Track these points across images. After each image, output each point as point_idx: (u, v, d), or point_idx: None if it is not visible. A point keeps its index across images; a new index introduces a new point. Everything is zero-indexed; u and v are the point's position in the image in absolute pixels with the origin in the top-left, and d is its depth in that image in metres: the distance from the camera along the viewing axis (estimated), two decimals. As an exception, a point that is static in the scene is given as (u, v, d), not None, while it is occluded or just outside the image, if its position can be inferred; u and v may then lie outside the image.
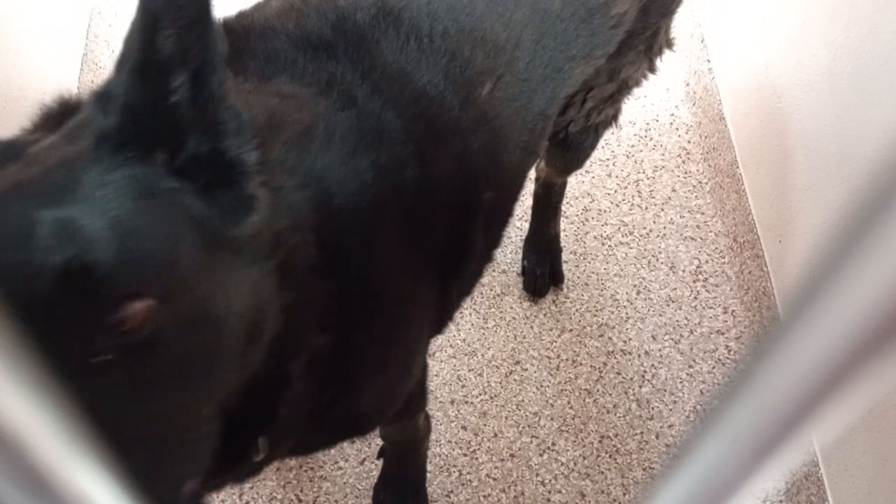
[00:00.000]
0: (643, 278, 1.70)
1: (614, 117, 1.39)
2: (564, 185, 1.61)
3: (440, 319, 1.06)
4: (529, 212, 1.78)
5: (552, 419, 1.53)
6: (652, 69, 1.35)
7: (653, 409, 1.55)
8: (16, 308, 0.48)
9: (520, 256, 1.71)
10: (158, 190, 0.57)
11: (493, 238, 1.10)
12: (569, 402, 1.55)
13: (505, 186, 1.06)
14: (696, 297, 1.68)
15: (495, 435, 1.51)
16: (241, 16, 0.94)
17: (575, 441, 1.51)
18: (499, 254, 1.73)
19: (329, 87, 0.86)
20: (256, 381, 0.65)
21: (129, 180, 0.56)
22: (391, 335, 0.91)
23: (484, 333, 1.62)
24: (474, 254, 1.03)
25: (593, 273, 1.71)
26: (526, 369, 1.58)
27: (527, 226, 1.76)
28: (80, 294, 0.51)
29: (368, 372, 0.90)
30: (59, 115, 0.64)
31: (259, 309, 0.63)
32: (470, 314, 1.64)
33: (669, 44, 1.35)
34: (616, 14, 1.08)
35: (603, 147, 1.88)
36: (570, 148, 1.34)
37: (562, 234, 1.74)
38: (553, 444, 1.51)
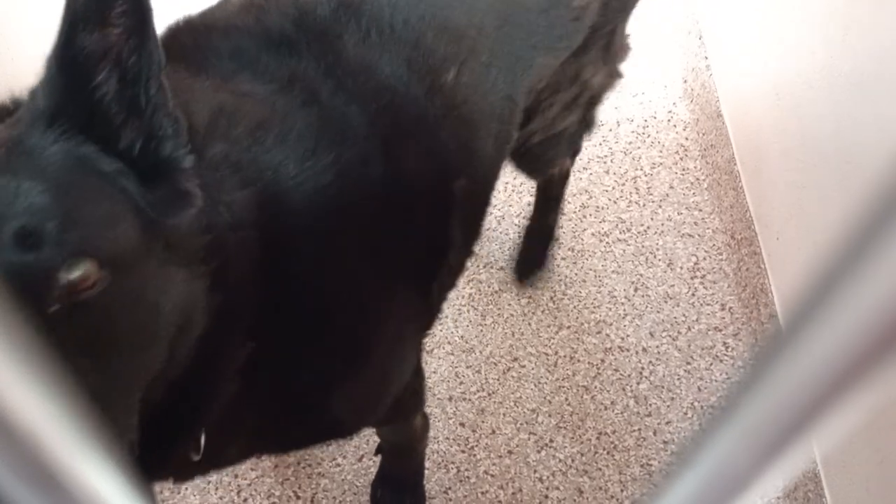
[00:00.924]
0: (641, 275, 1.70)
1: (586, 126, 1.39)
2: (565, 177, 1.60)
3: (425, 318, 1.05)
4: (529, 209, 1.78)
5: (550, 416, 1.53)
6: (614, 74, 1.35)
7: (650, 405, 1.55)
8: None
9: (517, 253, 1.71)
10: (97, 169, 0.62)
11: (472, 230, 1.10)
12: (566, 399, 1.55)
13: (479, 176, 1.06)
14: (693, 294, 1.68)
15: (493, 431, 1.52)
16: (204, 14, 0.94)
17: (573, 437, 1.51)
18: (496, 251, 1.73)
19: (291, 84, 0.86)
20: (185, 379, 0.67)
21: (67, 155, 0.60)
22: (359, 339, 0.89)
23: (482, 330, 1.63)
24: (452, 247, 1.02)
25: (591, 270, 1.71)
26: (524, 366, 1.59)
27: (525, 223, 1.76)
28: (30, 253, 0.54)
29: (336, 377, 0.88)
30: (12, 112, 0.67)
31: (187, 308, 0.65)
32: (468, 311, 1.65)
33: (625, 48, 1.35)
34: (577, 6, 1.09)
35: (600, 144, 1.88)
36: (534, 158, 1.33)
37: (559, 230, 1.74)
38: (551, 440, 1.51)
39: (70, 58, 0.60)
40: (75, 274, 0.55)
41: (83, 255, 0.56)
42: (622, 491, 1.47)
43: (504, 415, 1.53)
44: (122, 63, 0.62)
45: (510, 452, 1.50)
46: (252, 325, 0.73)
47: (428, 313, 1.05)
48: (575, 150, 1.53)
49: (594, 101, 1.35)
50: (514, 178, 1.82)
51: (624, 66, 2.05)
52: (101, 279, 0.57)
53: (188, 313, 0.65)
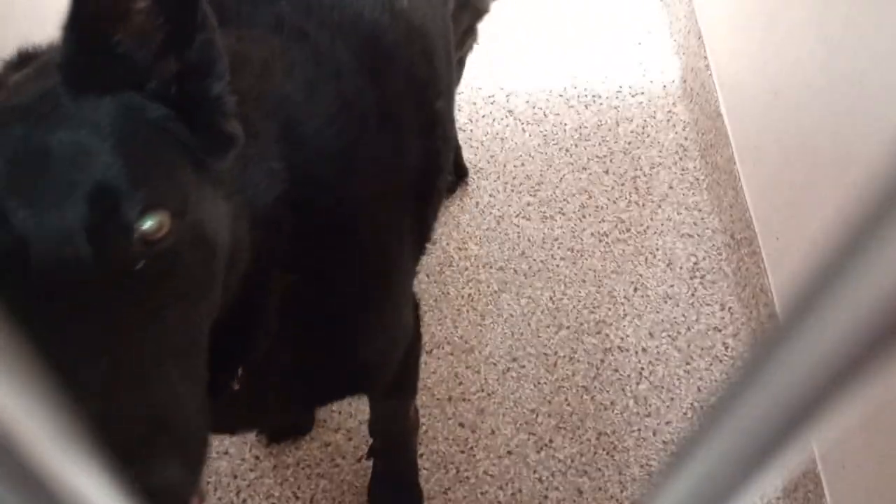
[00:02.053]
0: (640, 275, 1.70)
1: (471, 44, 1.51)
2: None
3: (420, 243, 1.07)
4: (528, 209, 1.79)
5: (549, 416, 1.53)
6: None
7: (650, 405, 1.55)
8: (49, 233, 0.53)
9: (517, 253, 1.71)
10: (146, 117, 0.62)
11: (450, 149, 1.14)
12: (566, 399, 1.55)
13: (446, 92, 1.11)
14: (693, 294, 1.68)
15: (492, 432, 1.52)
16: None
17: (572, 438, 1.51)
18: (496, 251, 1.73)
19: (279, 26, 0.88)
20: (231, 317, 0.69)
21: (115, 106, 0.60)
22: (376, 268, 0.93)
23: (481, 330, 1.62)
24: (442, 170, 1.06)
25: (590, 270, 1.71)
26: (523, 366, 1.58)
27: (525, 223, 1.76)
28: (106, 210, 0.55)
29: (361, 310, 0.91)
30: (20, 65, 0.67)
31: (236, 245, 0.67)
32: (467, 311, 1.64)
33: None
34: None
35: (600, 144, 1.88)
36: None
37: (559, 230, 1.74)
38: (550, 441, 1.51)
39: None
40: (151, 227, 0.56)
41: (157, 207, 0.57)
42: (622, 491, 1.46)
43: (503, 415, 1.53)
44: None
45: (510, 453, 1.50)
46: (286, 261, 0.75)
47: (422, 243, 1.08)
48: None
49: (479, 20, 1.46)
50: (514, 179, 1.82)
51: (624, 67, 2.06)
52: (174, 228, 0.58)
53: (237, 250, 0.67)
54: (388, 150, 0.93)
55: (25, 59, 0.68)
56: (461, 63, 1.53)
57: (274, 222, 0.73)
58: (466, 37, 1.44)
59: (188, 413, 0.57)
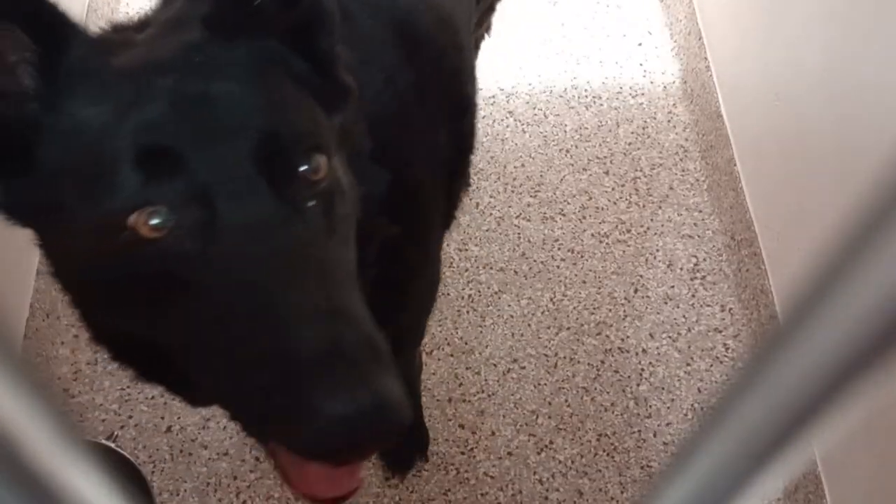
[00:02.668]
0: (641, 276, 1.70)
1: (487, 30, 1.55)
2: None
3: (449, 217, 1.10)
4: (528, 210, 1.79)
5: (550, 417, 1.53)
6: None
7: (650, 407, 1.55)
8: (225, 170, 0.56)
9: (517, 254, 1.71)
10: (288, 64, 0.64)
11: (474, 131, 1.18)
12: (566, 401, 1.55)
13: (472, 80, 1.14)
14: (693, 295, 1.68)
15: (493, 433, 1.51)
16: None
17: (573, 439, 1.51)
18: (496, 252, 1.73)
19: None
20: None
21: (263, 57, 0.63)
22: (423, 235, 0.96)
23: (481, 331, 1.62)
24: (470, 149, 1.09)
25: (591, 271, 1.70)
26: (524, 367, 1.58)
27: (525, 224, 1.76)
28: (276, 153, 0.57)
29: (409, 275, 0.94)
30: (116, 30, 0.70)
31: (354, 194, 0.69)
32: (467, 312, 1.64)
33: None
34: None
35: (600, 145, 1.88)
36: None
37: (559, 231, 1.74)
38: (551, 442, 1.51)
39: None
40: (313, 167, 0.59)
41: (317, 150, 0.60)
42: (622, 493, 1.46)
43: (504, 416, 1.53)
44: None
45: (510, 454, 1.50)
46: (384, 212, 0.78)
47: (448, 222, 1.11)
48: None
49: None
50: (514, 180, 1.82)
51: (625, 68, 2.06)
52: (329, 170, 0.60)
53: (354, 199, 0.69)
54: (427, 124, 0.96)
55: (120, 29, 0.69)
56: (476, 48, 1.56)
57: (371, 176, 0.75)
58: (480, 27, 1.46)
59: (380, 337, 0.58)
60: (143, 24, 0.69)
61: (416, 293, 0.99)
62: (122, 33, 0.68)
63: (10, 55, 0.58)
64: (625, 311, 1.66)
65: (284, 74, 0.63)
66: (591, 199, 1.80)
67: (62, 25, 0.60)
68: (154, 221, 0.54)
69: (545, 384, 1.57)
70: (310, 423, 0.51)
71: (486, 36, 1.55)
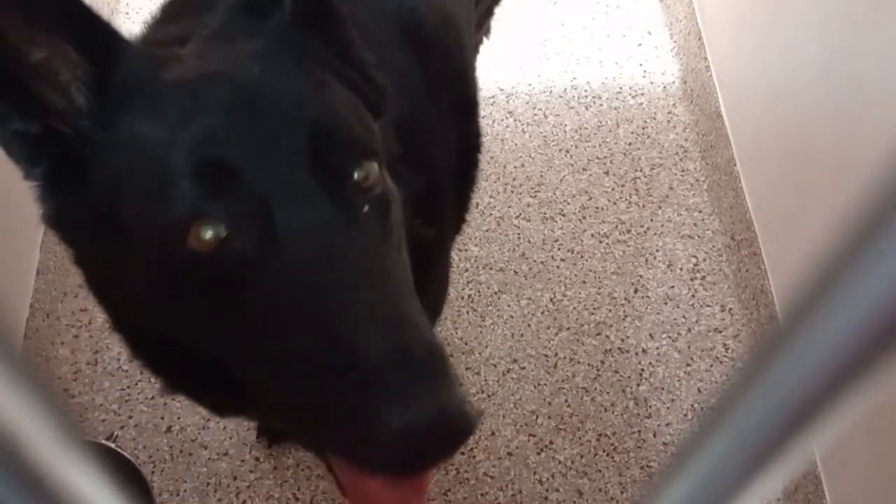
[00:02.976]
0: (641, 276, 1.70)
1: (486, 33, 1.55)
2: None
3: (458, 221, 1.11)
4: (528, 210, 1.78)
5: (550, 417, 1.53)
6: None
7: (650, 407, 1.55)
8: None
9: (517, 254, 1.71)
10: (333, 67, 0.65)
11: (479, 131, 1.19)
12: (566, 401, 1.55)
13: (474, 78, 1.15)
14: (693, 296, 1.68)
15: (493, 433, 1.51)
16: None
17: (572, 439, 1.51)
18: (496, 252, 1.73)
19: None
20: None
21: (318, 58, 0.63)
22: (441, 238, 0.97)
23: (481, 331, 1.62)
24: (478, 148, 1.10)
25: (591, 271, 1.70)
26: (523, 368, 1.58)
27: (525, 224, 1.76)
28: (332, 161, 0.58)
29: (425, 274, 0.95)
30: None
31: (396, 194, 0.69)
32: (467, 312, 1.64)
33: None
34: None
35: (600, 145, 1.88)
36: None
37: (559, 231, 1.74)
38: (550, 442, 1.51)
39: None
40: (366, 174, 0.59)
41: (370, 156, 0.60)
42: (622, 493, 1.46)
43: (504, 416, 1.53)
44: None
45: (510, 454, 1.50)
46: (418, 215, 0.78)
47: (459, 221, 1.12)
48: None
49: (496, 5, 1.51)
50: (514, 180, 1.82)
51: (624, 68, 2.06)
52: (380, 177, 0.61)
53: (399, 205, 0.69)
54: (439, 124, 0.97)
55: (162, 43, 0.70)
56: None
57: (405, 179, 0.75)
58: (479, 30, 1.46)
59: (441, 345, 0.58)
60: (182, 38, 0.68)
61: (430, 295, 0.99)
62: (165, 47, 0.68)
63: (62, 73, 0.58)
64: (625, 311, 1.66)
65: (334, 78, 0.64)
66: (590, 199, 1.80)
67: (113, 41, 0.60)
68: (213, 233, 0.55)
69: (545, 384, 1.57)
70: (378, 434, 0.50)
71: (484, 39, 1.56)
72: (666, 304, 1.67)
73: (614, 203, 1.80)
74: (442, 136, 0.97)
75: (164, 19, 0.90)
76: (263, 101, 0.58)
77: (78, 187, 0.59)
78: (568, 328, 1.63)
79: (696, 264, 1.72)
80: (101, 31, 0.59)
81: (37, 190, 0.60)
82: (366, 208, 0.59)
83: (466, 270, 1.70)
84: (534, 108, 1.94)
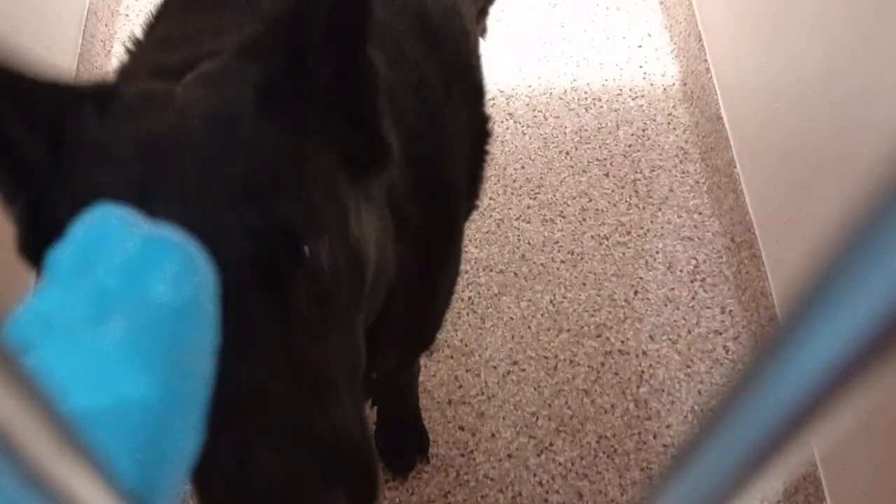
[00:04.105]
0: (641, 278, 1.70)
1: (482, 32, 1.56)
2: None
3: (470, 207, 1.10)
4: (528, 212, 1.79)
5: (550, 419, 1.53)
6: None
7: (650, 409, 1.55)
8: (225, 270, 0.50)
9: (517, 256, 1.71)
10: (320, 133, 0.60)
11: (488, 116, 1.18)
12: (566, 403, 1.55)
13: (479, 67, 1.15)
14: (693, 298, 1.68)
15: (493, 435, 1.51)
16: None
17: (573, 441, 1.51)
18: (496, 254, 1.73)
19: None
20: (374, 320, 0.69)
21: (295, 127, 0.58)
22: (453, 227, 0.96)
23: (481, 333, 1.62)
24: (488, 135, 1.10)
25: (591, 273, 1.70)
26: (524, 370, 1.58)
27: (525, 226, 1.76)
28: (275, 256, 0.54)
29: (439, 273, 0.95)
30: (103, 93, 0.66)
31: (381, 258, 0.66)
32: (467, 314, 1.64)
33: None
34: None
35: (600, 147, 1.88)
36: None
37: (559, 233, 1.74)
38: (551, 444, 1.51)
39: (299, 27, 0.59)
40: (313, 252, 0.55)
41: (322, 233, 0.56)
42: (622, 495, 1.46)
43: (503, 418, 1.53)
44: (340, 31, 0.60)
45: (510, 456, 1.50)
46: (414, 252, 0.76)
47: (471, 207, 1.11)
48: None
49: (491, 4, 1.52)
50: (514, 182, 1.82)
51: (624, 70, 2.06)
52: (331, 251, 0.57)
53: (383, 266, 0.67)
54: (453, 114, 0.96)
55: (160, 72, 0.67)
56: None
57: (406, 222, 0.74)
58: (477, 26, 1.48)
59: (361, 438, 0.56)
60: (186, 66, 0.64)
61: (442, 284, 0.99)
62: (162, 79, 0.63)
63: (18, 136, 0.56)
64: (625, 313, 1.66)
65: (314, 149, 0.59)
66: (590, 201, 1.80)
67: (73, 100, 0.57)
68: None
69: (545, 386, 1.57)
70: None
71: (481, 39, 1.56)
72: (666, 306, 1.67)
73: (614, 205, 1.80)
74: (456, 125, 0.97)
75: (163, 16, 0.90)
76: (219, 183, 0.53)
77: (35, 226, 0.57)
78: (568, 330, 1.63)
79: (696, 266, 1.72)
80: (60, 99, 0.56)
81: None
82: (307, 300, 0.55)
83: (466, 272, 1.69)
84: (534, 110, 1.94)
